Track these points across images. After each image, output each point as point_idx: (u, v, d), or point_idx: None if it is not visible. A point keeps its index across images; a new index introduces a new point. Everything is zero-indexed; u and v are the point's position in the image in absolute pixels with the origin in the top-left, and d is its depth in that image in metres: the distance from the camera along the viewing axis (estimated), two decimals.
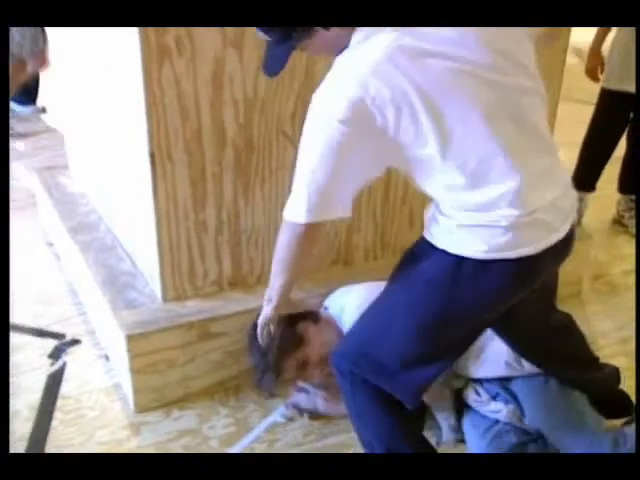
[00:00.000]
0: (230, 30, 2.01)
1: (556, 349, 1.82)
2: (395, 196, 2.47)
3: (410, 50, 1.35)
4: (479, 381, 2.01)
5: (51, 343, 2.51)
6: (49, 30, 3.48)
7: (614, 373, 1.96)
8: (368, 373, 1.63)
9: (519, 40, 1.47)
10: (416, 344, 1.58)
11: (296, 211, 1.52)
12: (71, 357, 2.44)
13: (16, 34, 4.20)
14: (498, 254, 1.44)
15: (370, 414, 1.69)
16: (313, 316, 2.14)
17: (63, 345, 2.50)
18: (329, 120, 1.39)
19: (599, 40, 3.46)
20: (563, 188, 1.52)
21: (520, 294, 1.55)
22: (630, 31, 3.29)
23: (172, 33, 1.94)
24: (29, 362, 2.40)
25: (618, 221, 3.54)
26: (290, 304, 1.86)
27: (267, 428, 2.11)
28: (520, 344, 1.84)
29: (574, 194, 1.58)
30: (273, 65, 1.53)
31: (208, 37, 1.99)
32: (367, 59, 1.37)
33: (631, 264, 3.11)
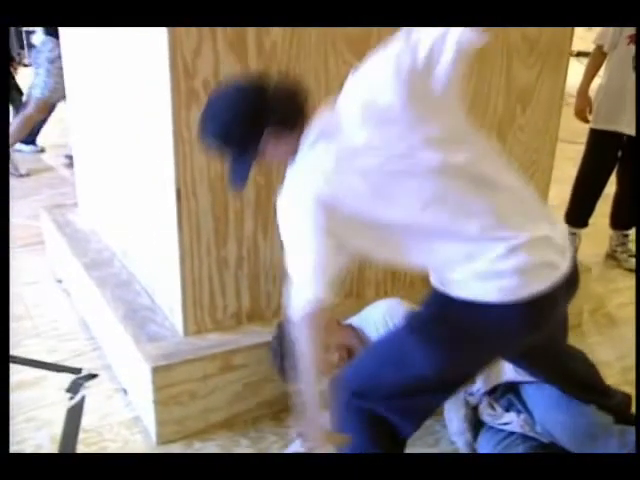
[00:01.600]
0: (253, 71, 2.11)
1: (573, 376, 1.90)
2: None
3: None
4: (493, 395, 2.08)
5: (68, 377, 2.54)
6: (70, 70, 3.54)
7: (626, 399, 2.04)
8: (373, 400, 1.64)
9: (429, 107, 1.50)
10: (427, 380, 1.59)
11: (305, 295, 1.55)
12: (89, 391, 2.47)
13: None
14: (511, 296, 1.46)
15: (359, 438, 1.70)
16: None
17: (80, 379, 2.53)
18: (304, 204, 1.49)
19: (587, 82, 3.63)
20: (548, 221, 1.55)
21: (535, 335, 1.57)
22: (616, 74, 3.47)
23: (200, 77, 2.04)
24: (47, 396, 2.43)
25: (611, 255, 3.67)
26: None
27: None
28: (540, 374, 1.92)
29: (562, 226, 1.63)
30: (237, 178, 1.61)
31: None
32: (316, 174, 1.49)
33: (626, 297, 3.23)
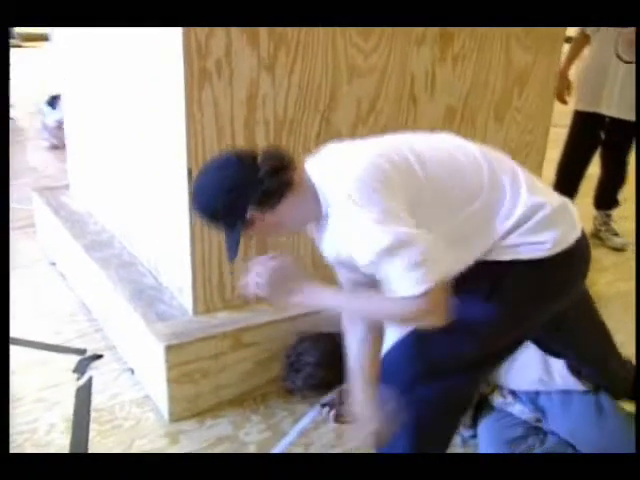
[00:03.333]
0: (264, 53, 2.13)
1: (604, 346, 1.98)
2: None
3: None
4: (508, 389, 2.13)
5: (73, 358, 2.54)
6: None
7: (632, 365, 2.14)
8: (443, 373, 1.67)
9: None
10: (493, 345, 1.66)
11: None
12: (95, 372, 2.48)
13: None
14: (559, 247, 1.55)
15: (428, 416, 1.71)
16: None
17: (85, 360, 2.54)
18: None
19: (567, 65, 3.71)
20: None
21: (575, 289, 1.67)
22: (598, 57, 3.56)
23: (213, 57, 2.06)
24: (54, 377, 2.43)
25: (596, 235, 3.78)
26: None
27: (301, 432, 2.20)
28: (578, 350, 1.96)
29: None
30: (231, 251, 1.60)
31: (245, 60, 2.11)
32: None
33: (612, 275, 3.34)
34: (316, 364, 2.21)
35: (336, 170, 1.52)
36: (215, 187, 1.53)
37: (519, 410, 2.06)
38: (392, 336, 1.88)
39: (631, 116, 3.53)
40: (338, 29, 2.24)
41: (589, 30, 3.57)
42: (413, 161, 1.52)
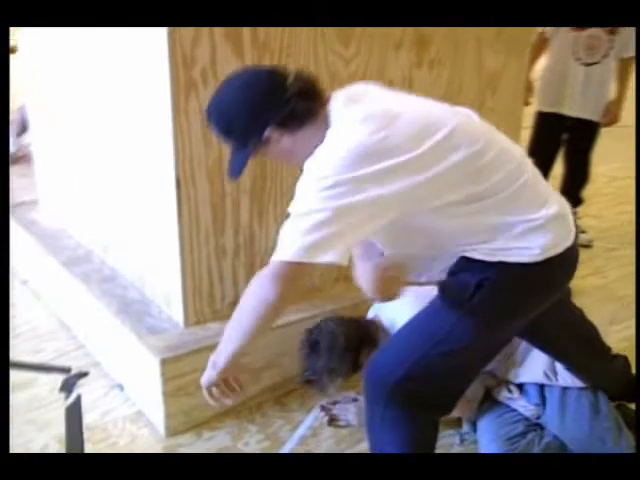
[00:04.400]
0: (249, 62, 2.13)
1: (582, 340, 2.00)
2: None
3: None
4: (514, 383, 2.15)
5: (58, 377, 2.48)
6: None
7: (626, 362, 2.17)
8: (422, 381, 1.64)
9: None
10: (474, 349, 1.64)
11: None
12: (83, 389, 2.43)
13: None
14: (547, 254, 1.53)
15: (398, 425, 1.70)
16: (372, 342, 2.16)
17: (71, 378, 2.48)
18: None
19: (528, 66, 3.80)
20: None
21: (560, 290, 1.67)
22: (557, 59, 3.67)
23: (198, 67, 2.05)
24: (42, 397, 2.37)
25: None
26: (238, 367, 1.74)
27: (300, 439, 2.19)
28: (554, 346, 1.97)
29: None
30: (234, 169, 1.58)
31: (230, 69, 2.08)
32: None
33: (586, 269, 3.44)
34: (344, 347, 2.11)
35: (348, 124, 1.44)
36: (239, 98, 1.48)
37: (522, 406, 2.09)
38: (403, 309, 1.92)
39: (593, 116, 3.66)
40: (319, 36, 2.25)
41: (548, 33, 3.68)
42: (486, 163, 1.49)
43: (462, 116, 1.57)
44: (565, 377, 2.04)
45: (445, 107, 1.59)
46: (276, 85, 1.48)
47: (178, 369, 2.16)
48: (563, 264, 1.60)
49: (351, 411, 2.25)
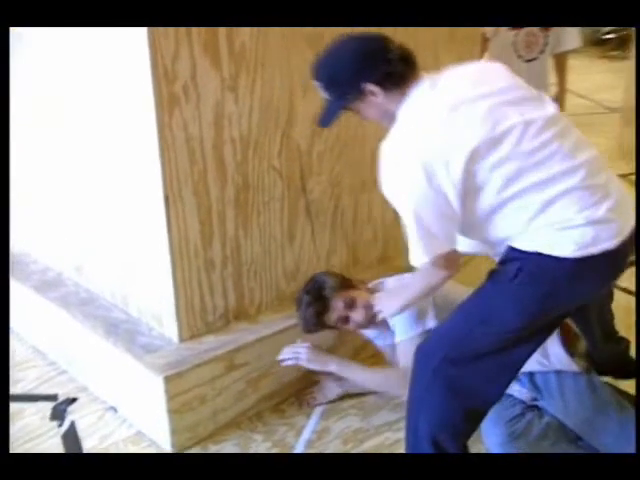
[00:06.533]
0: (226, 74, 2.15)
1: (604, 322, 2.11)
2: (362, 216, 2.73)
3: None
4: None
5: (46, 406, 2.42)
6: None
7: (628, 344, 2.27)
8: (464, 364, 1.70)
9: None
10: (518, 333, 1.68)
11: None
12: (74, 415, 2.37)
13: None
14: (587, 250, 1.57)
15: (437, 403, 1.74)
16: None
17: (61, 405, 2.43)
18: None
19: None
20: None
21: (602, 289, 1.78)
22: (500, 56, 3.81)
23: (180, 81, 2.05)
24: (34, 428, 2.31)
25: None
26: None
27: (307, 443, 2.22)
28: (579, 323, 2.07)
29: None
30: (325, 119, 1.82)
31: (209, 83, 2.11)
32: None
33: None
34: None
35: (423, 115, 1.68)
36: (346, 54, 1.71)
37: (517, 391, 2.19)
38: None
39: None
40: (292, 45, 2.29)
41: (488, 34, 3.82)
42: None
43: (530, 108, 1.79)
44: (561, 359, 2.14)
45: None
46: (381, 46, 1.71)
47: (181, 385, 2.15)
48: (600, 263, 1.61)
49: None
